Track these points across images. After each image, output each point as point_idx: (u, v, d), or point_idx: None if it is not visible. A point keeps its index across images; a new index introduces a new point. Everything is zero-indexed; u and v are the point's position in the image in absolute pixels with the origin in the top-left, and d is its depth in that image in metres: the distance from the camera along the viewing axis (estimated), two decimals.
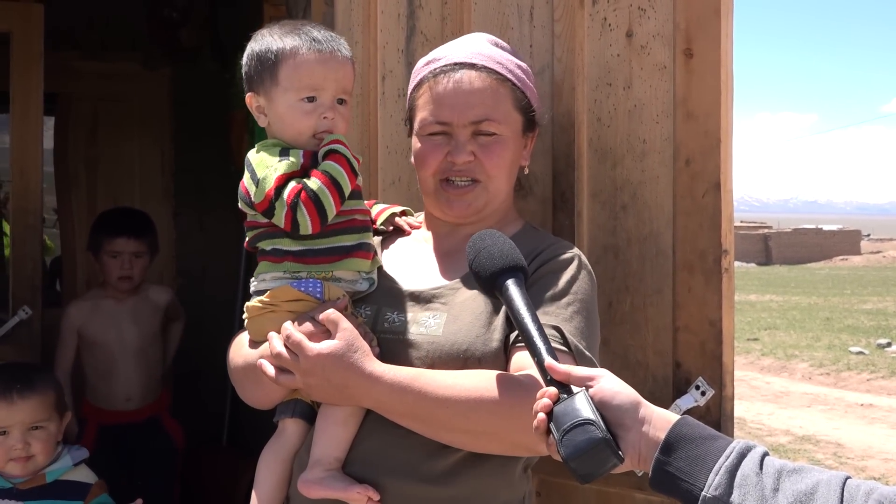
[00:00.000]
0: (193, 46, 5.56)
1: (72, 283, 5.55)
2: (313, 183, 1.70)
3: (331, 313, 1.69)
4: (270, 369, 1.73)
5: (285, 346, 1.70)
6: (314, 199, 1.69)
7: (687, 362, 2.11)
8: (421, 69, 1.94)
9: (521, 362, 1.65)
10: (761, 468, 1.27)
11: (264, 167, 1.74)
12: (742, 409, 9.35)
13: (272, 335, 1.73)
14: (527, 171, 2.00)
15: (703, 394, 2.04)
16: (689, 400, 2.05)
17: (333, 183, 1.71)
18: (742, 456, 1.29)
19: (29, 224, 4.33)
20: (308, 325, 1.70)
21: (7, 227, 5.88)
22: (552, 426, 1.35)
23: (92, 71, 5.55)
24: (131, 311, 4.14)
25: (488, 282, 1.57)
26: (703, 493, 1.26)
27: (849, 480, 1.25)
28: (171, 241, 5.84)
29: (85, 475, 2.86)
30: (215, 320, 5.43)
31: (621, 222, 2.17)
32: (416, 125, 1.91)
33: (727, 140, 2.06)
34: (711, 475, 1.27)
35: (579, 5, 2.21)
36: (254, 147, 4.65)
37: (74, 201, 5.70)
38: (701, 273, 2.08)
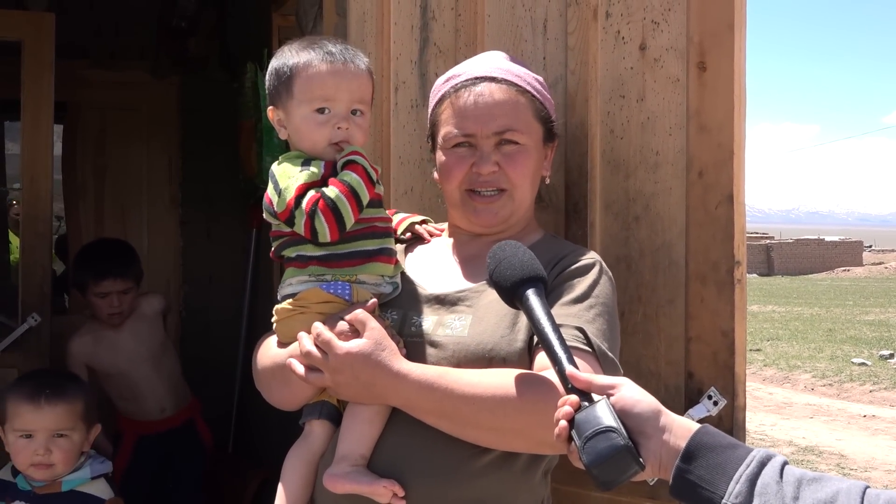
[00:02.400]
0: (202, 56, 5.59)
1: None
2: (331, 191, 1.73)
3: (359, 313, 1.73)
4: (300, 368, 1.76)
5: (315, 344, 1.74)
6: (332, 208, 1.72)
7: (699, 372, 2.13)
8: (441, 86, 1.98)
9: (545, 362, 1.66)
10: (781, 477, 1.28)
11: (286, 178, 1.78)
12: None
13: (302, 335, 1.77)
14: (548, 181, 2.04)
15: (715, 403, 2.06)
16: (702, 410, 2.06)
17: (351, 192, 1.74)
18: (762, 465, 1.30)
19: (38, 231, 4.34)
20: (337, 325, 1.73)
21: (13, 235, 5.92)
22: (574, 433, 1.37)
23: (101, 79, 5.60)
24: (132, 332, 4.10)
25: (509, 292, 1.61)
26: (723, 500, 1.27)
27: (868, 490, 1.25)
28: (177, 248, 5.87)
29: (101, 489, 2.85)
30: (221, 328, 5.46)
31: (634, 233, 2.19)
32: (439, 139, 1.95)
33: (740, 153, 2.08)
34: (732, 483, 1.28)
35: (593, 18, 2.24)
36: (263, 157, 4.65)
37: (82, 209, 5.73)
38: (714, 284, 2.10)
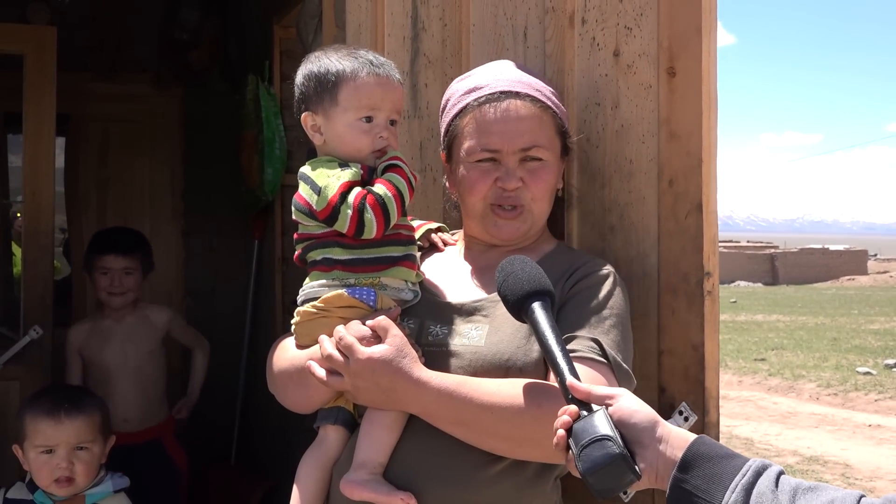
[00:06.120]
0: (203, 68, 5.61)
1: (81, 303, 5.58)
2: (379, 189, 1.79)
3: (381, 320, 1.76)
4: (320, 371, 1.79)
5: (336, 348, 1.76)
6: (381, 204, 1.77)
7: (671, 387, 2.06)
8: (462, 97, 1.99)
9: None
10: (777, 486, 1.29)
11: (325, 177, 1.81)
12: (749, 429, 9.32)
13: (323, 338, 1.79)
14: (560, 193, 2.06)
15: (686, 419, 2.00)
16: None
17: (398, 192, 1.80)
18: (758, 474, 1.31)
19: (41, 244, 4.36)
20: (360, 330, 1.76)
21: (16, 248, 5.93)
22: (571, 442, 1.39)
23: (103, 92, 5.63)
24: (128, 329, 4.14)
25: (516, 305, 1.63)
26: None
27: (863, 499, 1.26)
28: (180, 260, 5.88)
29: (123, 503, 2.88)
30: (223, 340, 5.44)
31: (609, 244, 2.13)
32: (462, 152, 1.95)
33: (709, 160, 2.02)
34: (728, 493, 1.29)
35: (569, 25, 2.19)
36: (264, 168, 4.64)
37: (84, 221, 5.74)
38: (684, 296, 2.04)
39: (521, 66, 2.04)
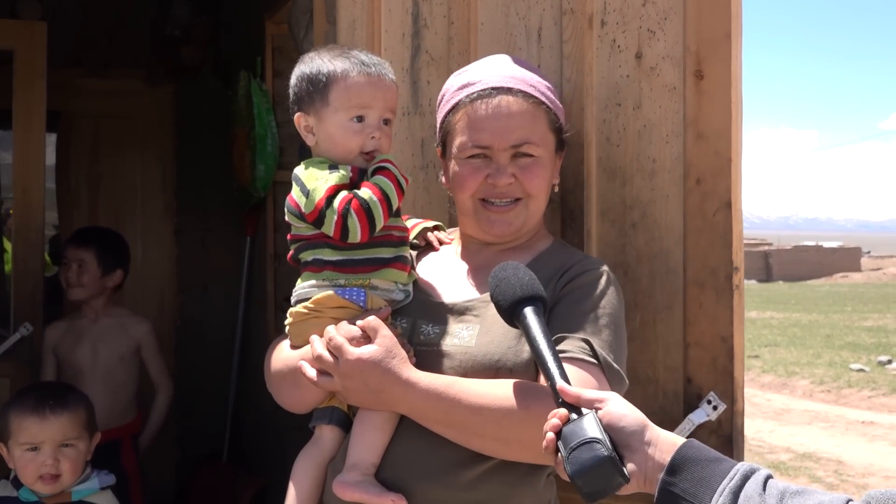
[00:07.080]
0: (195, 64, 5.58)
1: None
2: (364, 193, 1.78)
3: (371, 320, 1.76)
4: (311, 371, 1.80)
5: (327, 348, 1.77)
6: (365, 209, 1.77)
7: (698, 378, 2.15)
8: (455, 93, 1.98)
9: None
10: (764, 489, 1.29)
11: (314, 179, 1.81)
12: None
13: (314, 338, 1.81)
14: (557, 189, 2.05)
15: (714, 408, 2.09)
16: (702, 414, 2.08)
17: (384, 196, 1.79)
18: (746, 478, 1.31)
19: (31, 241, 4.33)
20: (350, 330, 1.76)
21: (7, 244, 5.90)
22: (560, 445, 1.40)
23: (94, 88, 5.59)
24: (101, 331, 4.09)
25: (508, 311, 1.63)
26: None
27: (850, 503, 1.26)
28: (172, 257, 5.86)
29: (108, 501, 2.87)
30: (216, 337, 5.45)
31: (631, 240, 2.21)
32: (453, 148, 1.95)
33: (737, 160, 2.11)
34: (715, 496, 1.30)
35: (588, 27, 2.25)
36: (256, 165, 4.63)
37: (76, 218, 5.71)
38: (712, 290, 2.13)
39: (519, 61, 2.03)
